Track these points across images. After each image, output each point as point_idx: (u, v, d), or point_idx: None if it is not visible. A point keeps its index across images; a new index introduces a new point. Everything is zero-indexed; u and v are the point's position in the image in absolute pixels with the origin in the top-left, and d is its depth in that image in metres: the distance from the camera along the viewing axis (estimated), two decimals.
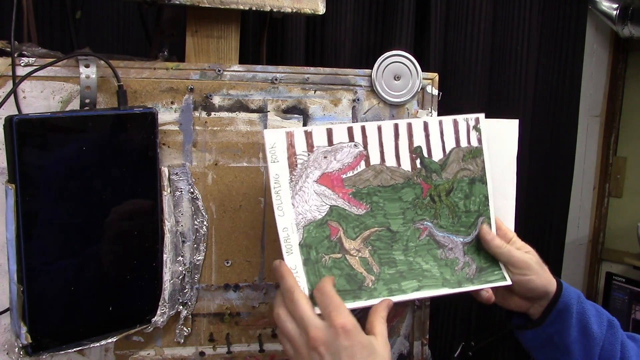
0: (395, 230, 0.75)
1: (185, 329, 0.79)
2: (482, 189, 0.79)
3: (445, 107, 0.88)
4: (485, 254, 0.78)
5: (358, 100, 0.82)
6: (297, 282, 0.65)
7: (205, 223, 0.78)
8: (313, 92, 0.80)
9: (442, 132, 0.78)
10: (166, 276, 0.74)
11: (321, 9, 0.81)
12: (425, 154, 0.77)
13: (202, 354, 0.81)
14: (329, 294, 0.63)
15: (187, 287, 0.78)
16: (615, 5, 1.56)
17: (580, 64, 1.54)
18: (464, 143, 0.78)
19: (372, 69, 0.82)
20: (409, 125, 0.76)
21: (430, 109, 0.84)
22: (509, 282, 0.77)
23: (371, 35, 1.26)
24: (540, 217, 1.54)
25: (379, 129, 0.75)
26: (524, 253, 0.77)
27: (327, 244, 0.71)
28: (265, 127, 0.79)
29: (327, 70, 0.81)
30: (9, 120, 0.61)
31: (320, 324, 0.61)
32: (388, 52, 0.83)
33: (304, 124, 0.80)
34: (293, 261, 0.68)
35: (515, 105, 1.41)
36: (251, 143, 0.79)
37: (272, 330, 0.82)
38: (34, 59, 0.70)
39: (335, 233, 0.71)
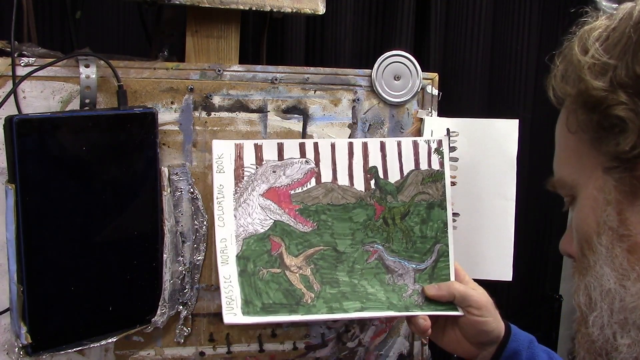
0: (342, 250, 0.72)
1: (185, 329, 0.79)
2: (441, 214, 0.76)
3: (446, 107, 0.88)
4: (438, 284, 0.75)
5: (358, 100, 0.82)
6: None
7: (205, 223, 0.78)
8: (313, 92, 0.80)
9: (400, 154, 0.76)
10: (166, 276, 0.74)
11: (321, 9, 0.81)
12: (381, 175, 0.75)
13: (202, 354, 0.81)
14: None
15: (187, 287, 0.78)
16: (615, 5, 1.56)
17: None
18: (424, 166, 0.76)
19: (372, 69, 0.82)
20: (365, 145, 0.75)
21: (430, 108, 0.84)
22: (460, 313, 0.73)
23: (371, 35, 1.26)
24: (540, 217, 1.54)
25: (333, 146, 0.74)
26: (481, 293, 0.74)
27: (267, 258, 0.69)
28: (266, 127, 0.79)
29: (327, 70, 0.81)
30: (9, 120, 0.61)
31: None
32: (388, 52, 0.83)
33: (304, 124, 0.80)
34: (227, 271, 0.67)
35: (515, 105, 1.41)
36: None
37: (272, 330, 0.82)
38: (34, 59, 0.70)
39: (277, 248, 0.70)
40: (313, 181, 0.73)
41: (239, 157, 0.70)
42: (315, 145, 0.73)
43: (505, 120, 0.84)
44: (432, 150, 0.77)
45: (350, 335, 0.85)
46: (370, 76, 0.82)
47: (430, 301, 0.74)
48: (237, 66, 0.78)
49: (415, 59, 0.83)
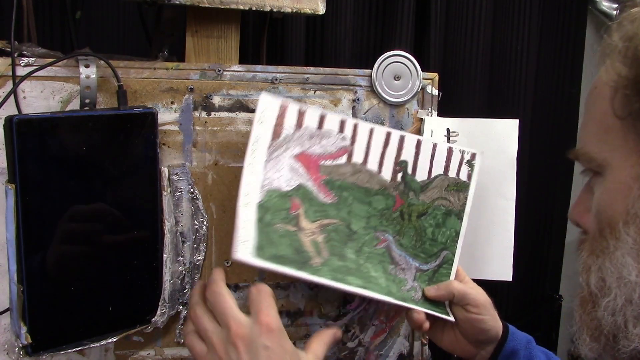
0: (355, 230, 0.73)
1: None
2: (456, 223, 0.77)
3: (446, 107, 0.88)
4: (437, 284, 0.76)
5: (358, 100, 0.82)
6: (222, 280, 0.64)
7: (205, 223, 0.78)
8: (313, 92, 0.80)
9: (433, 156, 0.77)
10: (166, 276, 0.74)
11: (321, 9, 0.81)
12: (410, 171, 0.76)
13: None
14: (266, 294, 0.61)
15: (187, 287, 0.78)
16: (615, 5, 1.56)
17: (580, 64, 1.54)
18: (452, 173, 0.77)
19: (372, 69, 0.82)
20: (402, 138, 0.75)
21: (430, 108, 0.84)
22: (451, 318, 0.74)
23: (371, 35, 1.26)
24: (540, 217, 1.54)
25: (371, 131, 0.74)
26: (480, 292, 0.75)
27: (285, 215, 0.69)
28: None
29: (327, 70, 0.81)
30: (9, 120, 0.61)
31: (244, 320, 0.59)
32: (388, 52, 0.83)
33: None
34: (247, 214, 0.67)
35: (515, 105, 1.41)
36: None
37: None
38: (34, 59, 0.70)
39: (296, 209, 0.70)
40: (344, 158, 0.73)
41: (281, 116, 0.71)
42: (355, 126, 0.74)
43: (505, 120, 0.84)
44: (464, 161, 0.78)
45: (350, 335, 0.85)
46: (370, 76, 0.82)
47: (427, 300, 0.75)
48: (237, 66, 0.78)
49: (415, 59, 0.83)
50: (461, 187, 0.78)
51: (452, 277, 0.77)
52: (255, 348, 0.57)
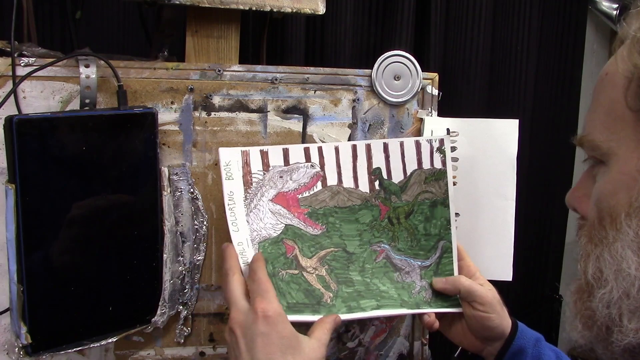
0: (352, 251, 0.74)
1: (185, 329, 0.79)
2: (444, 212, 0.78)
3: (446, 107, 0.88)
4: (445, 277, 0.76)
5: (358, 100, 0.82)
6: (237, 265, 0.65)
7: (205, 223, 0.78)
8: (313, 92, 0.80)
9: (403, 154, 0.77)
10: (166, 276, 0.74)
11: (321, 9, 0.81)
12: (385, 176, 0.77)
13: (202, 354, 0.81)
14: (260, 279, 0.61)
15: (187, 287, 0.78)
16: (615, 5, 1.56)
17: (580, 64, 1.54)
18: (426, 165, 0.78)
19: (372, 69, 0.82)
20: (368, 147, 0.76)
21: (430, 108, 0.84)
22: (459, 310, 0.75)
23: (371, 35, 1.26)
24: (540, 217, 1.54)
25: (337, 149, 0.75)
26: (487, 289, 0.74)
27: (284, 260, 0.70)
28: (266, 127, 0.79)
29: (327, 70, 0.81)
30: (9, 120, 0.61)
31: (243, 306, 0.60)
32: (388, 52, 0.83)
33: (304, 124, 0.80)
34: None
35: (515, 105, 1.41)
36: (251, 143, 0.79)
37: None
38: (34, 59, 0.70)
39: (291, 251, 0.71)
40: (319, 185, 0.75)
41: (246, 164, 0.72)
42: (320, 149, 0.75)
43: (505, 120, 0.84)
44: (434, 149, 0.78)
45: (350, 335, 0.85)
46: (370, 76, 0.82)
47: (437, 297, 0.76)
48: (237, 66, 0.78)
49: (415, 59, 0.83)
50: (439, 176, 0.78)
51: (455, 264, 0.77)
52: (252, 334, 0.57)
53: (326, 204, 0.74)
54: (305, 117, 0.80)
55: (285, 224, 0.72)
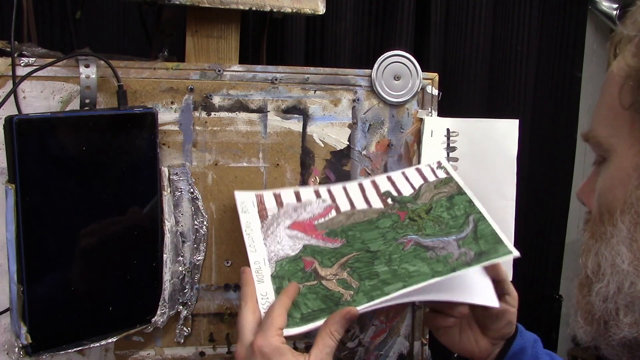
0: (376, 249, 0.72)
1: (185, 329, 0.79)
2: (462, 197, 0.78)
3: (446, 107, 0.88)
4: (485, 240, 0.71)
5: (358, 100, 0.82)
6: (251, 293, 0.65)
7: (205, 223, 0.78)
8: (313, 92, 0.80)
9: (407, 179, 0.80)
10: (166, 276, 0.74)
11: (321, 9, 0.81)
12: (395, 194, 0.79)
13: (202, 354, 0.81)
14: (270, 312, 0.62)
15: (187, 287, 0.78)
16: (615, 5, 1.56)
17: (580, 64, 1.54)
18: (431, 179, 0.80)
19: (372, 69, 0.82)
20: (374, 182, 0.79)
21: (430, 108, 0.84)
22: (516, 253, 0.69)
23: (371, 35, 1.26)
24: (540, 217, 1.54)
25: (345, 189, 0.78)
26: (510, 309, 0.74)
27: (301, 275, 0.70)
28: (266, 127, 0.79)
29: (327, 70, 0.81)
30: (9, 120, 0.61)
31: (246, 341, 0.61)
32: (388, 52, 0.83)
33: (304, 124, 0.80)
34: (264, 289, 0.68)
35: (515, 105, 1.41)
36: (251, 143, 0.79)
37: None
38: (34, 59, 0.70)
39: (310, 265, 0.71)
40: (333, 212, 0.77)
41: (260, 202, 0.75)
42: (329, 190, 0.78)
43: (505, 120, 0.84)
44: (435, 168, 0.81)
45: (350, 335, 0.85)
46: (370, 76, 0.82)
47: (481, 256, 0.70)
48: (237, 66, 0.78)
49: (415, 59, 0.83)
50: (447, 181, 0.80)
51: (495, 226, 0.73)
52: None
53: (343, 224, 0.75)
54: (305, 117, 0.80)
55: (304, 244, 0.72)
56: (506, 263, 0.85)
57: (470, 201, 0.77)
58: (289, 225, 0.74)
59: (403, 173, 0.81)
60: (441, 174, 0.80)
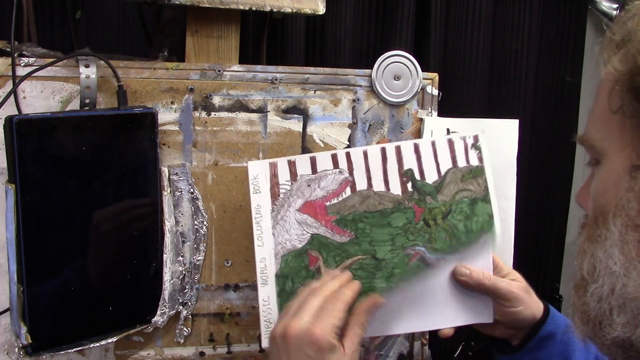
0: (382, 257, 0.71)
1: (185, 329, 0.79)
2: (485, 207, 0.74)
3: (446, 107, 0.88)
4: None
5: (358, 100, 0.82)
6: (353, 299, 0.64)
7: (205, 223, 0.78)
8: (313, 92, 0.80)
9: (435, 154, 0.73)
10: (166, 276, 0.74)
11: (321, 9, 0.81)
12: (418, 177, 0.73)
13: (202, 354, 0.81)
14: (332, 309, 0.61)
15: (187, 287, 0.78)
16: (615, 5, 1.56)
17: (580, 64, 1.54)
18: (462, 163, 0.73)
19: (372, 69, 0.82)
20: (398, 149, 0.72)
21: (430, 108, 0.84)
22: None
23: (371, 35, 1.26)
24: (540, 217, 1.54)
25: (365, 154, 0.72)
26: (510, 282, 0.73)
27: (305, 274, 0.70)
28: (266, 127, 0.79)
29: (327, 70, 0.81)
30: (9, 120, 0.61)
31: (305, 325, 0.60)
32: (388, 52, 0.83)
33: (304, 124, 0.80)
34: (266, 292, 0.68)
35: (515, 105, 1.41)
36: (251, 143, 0.79)
37: None
38: (34, 59, 0.70)
39: (314, 262, 0.70)
40: (348, 190, 0.72)
41: (274, 176, 0.71)
42: (348, 154, 0.72)
43: (505, 120, 0.84)
44: (469, 146, 0.74)
45: None
46: (370, 76, 0.82)
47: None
48: (237, 66, 0.78)
49: (415, 59, 0.83)
50: (477, 173, 0.74)
51: (496, 236, 0.74)
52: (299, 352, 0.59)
53: (355, 209, 0.71)
54: (305, 117, 0.80)
55: (312, 234, 0.71)
56: (506, 263, 0.85)
57: (491, 216, 0.74)
58: (300, 206, 0.71)
59: (433, 144, 0.73)
60: (473, 159, 0.74)
